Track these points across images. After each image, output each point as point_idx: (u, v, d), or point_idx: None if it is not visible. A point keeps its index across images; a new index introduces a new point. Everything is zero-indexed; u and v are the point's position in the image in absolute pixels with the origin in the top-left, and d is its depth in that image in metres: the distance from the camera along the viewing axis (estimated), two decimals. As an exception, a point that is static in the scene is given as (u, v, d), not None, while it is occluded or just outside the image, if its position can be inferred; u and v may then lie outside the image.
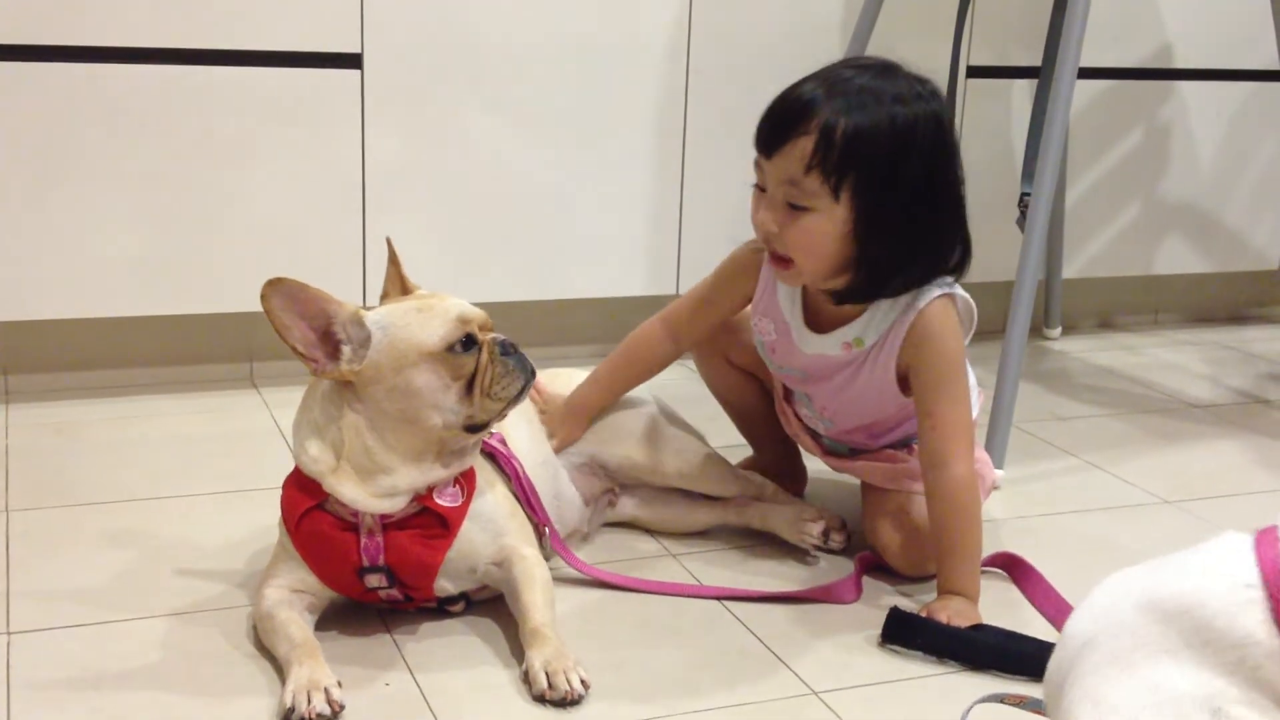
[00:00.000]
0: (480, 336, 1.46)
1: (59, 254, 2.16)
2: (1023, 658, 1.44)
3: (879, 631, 1.52)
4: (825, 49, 2.52)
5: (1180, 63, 2.85)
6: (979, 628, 1.50)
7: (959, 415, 1.57)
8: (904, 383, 1.62)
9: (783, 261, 1.56)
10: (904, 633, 1.50)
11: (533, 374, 1.48)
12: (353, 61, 2.24)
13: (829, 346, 1.63)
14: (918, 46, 2.53)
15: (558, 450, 1.74)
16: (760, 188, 1.58)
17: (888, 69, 1.54)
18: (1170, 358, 2.80)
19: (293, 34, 2.20)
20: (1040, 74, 2.50)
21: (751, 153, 1.60)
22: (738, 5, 2.47)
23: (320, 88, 2.24)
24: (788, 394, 1.79)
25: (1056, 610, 1.57)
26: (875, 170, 1.49)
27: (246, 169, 2.23)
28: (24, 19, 2.07)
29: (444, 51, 2.30)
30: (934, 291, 1.57)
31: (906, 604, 1.58)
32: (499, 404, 1.46)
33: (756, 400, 1.87)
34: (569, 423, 1.75)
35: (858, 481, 1.79)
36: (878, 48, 2.45)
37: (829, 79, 1.53)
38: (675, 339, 1.77)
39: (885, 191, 1.49)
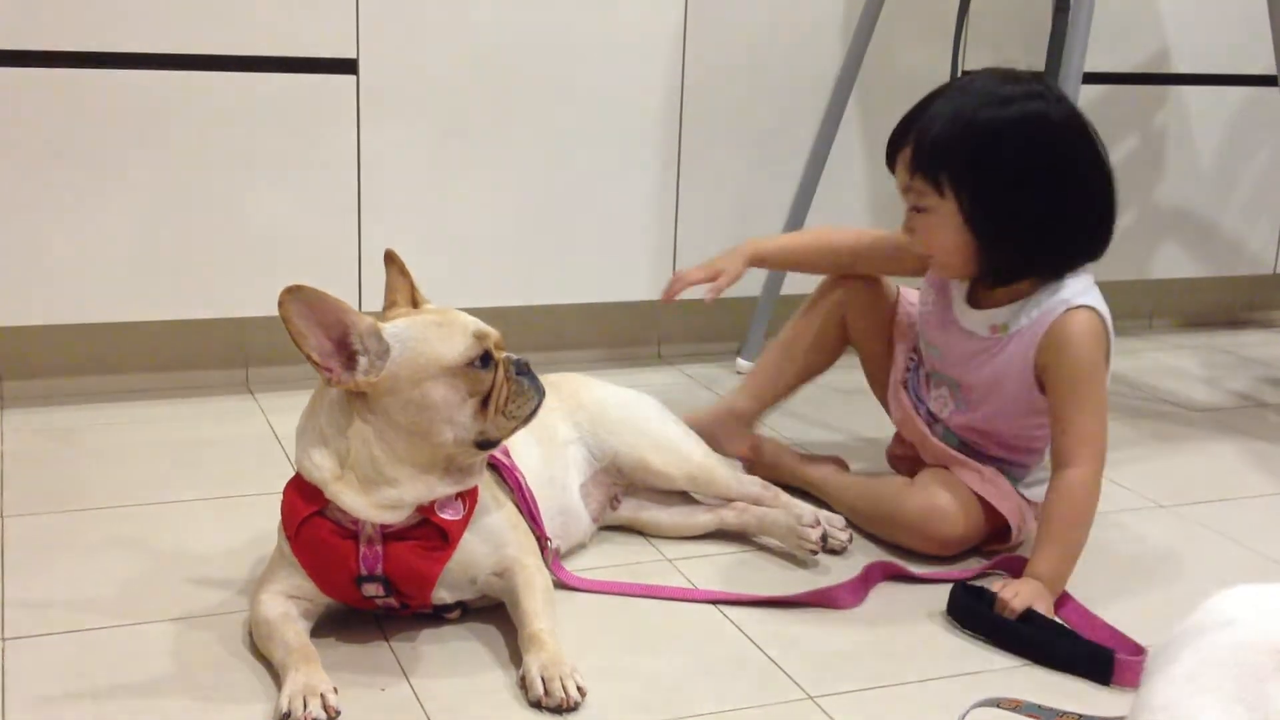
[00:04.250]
0: (495, 354, 1.46)
1: (56, 259, 2.16)
2: (1053, 652, 1.49)
3: (877, 629, 1.52)
4: (823, 54, 2.53)
5: (1178, 68, 2.85)
6: (1029, 616, 1.53)
7: (1088, 423, 1.64)
8: (1043, 386, 1.70)
9: (925, 257, 1.75)
10: (963, 614, 1.57)
11: (543, 393, 1.49)
12: (348, 67, 2.24)
13: (978, 325, 1.74)
14: (916, 51, 2.54)
15: (716, 289, 1.89)
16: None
17: (1000, 76, 1.69)
18: (1167, 362, 2.80)
19: (289, 39, 2.20)
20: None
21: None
22: (734, 8, 2.47)
23: (316, 93, 2.23)
24: (916, 380, 1.87)
25: (1078, 618, 1.58)
26: (966, 165, 1.64)
27: (243, 174, 2.23)
28: (21, 25, 2.07)
29: (439, 57, 2.30)
30: (1081, 299, 1.69)
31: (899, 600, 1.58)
32: (513, 422, 1.46)
33: (823, 364, 2.00)
34: (734, 255, 1.92)
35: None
36: (877, 52, 2.46)
37: (935, 92, 1.71)
38: (860, 255, 1.92)
39: (981, 182, 1.64)
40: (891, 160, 1.72)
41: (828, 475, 1.90)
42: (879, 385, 1.97)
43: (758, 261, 1.95)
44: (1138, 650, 1.48)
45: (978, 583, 1.63)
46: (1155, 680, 1.02)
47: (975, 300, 1.76)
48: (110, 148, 2.15)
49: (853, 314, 1.95)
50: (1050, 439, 1.68)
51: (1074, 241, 1.70)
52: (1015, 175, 1.64)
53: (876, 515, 1.78)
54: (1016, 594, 1.55)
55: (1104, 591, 1.66)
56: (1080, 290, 1.70)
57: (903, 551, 1.75)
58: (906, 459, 1.93)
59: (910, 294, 1.92)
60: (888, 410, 1.95)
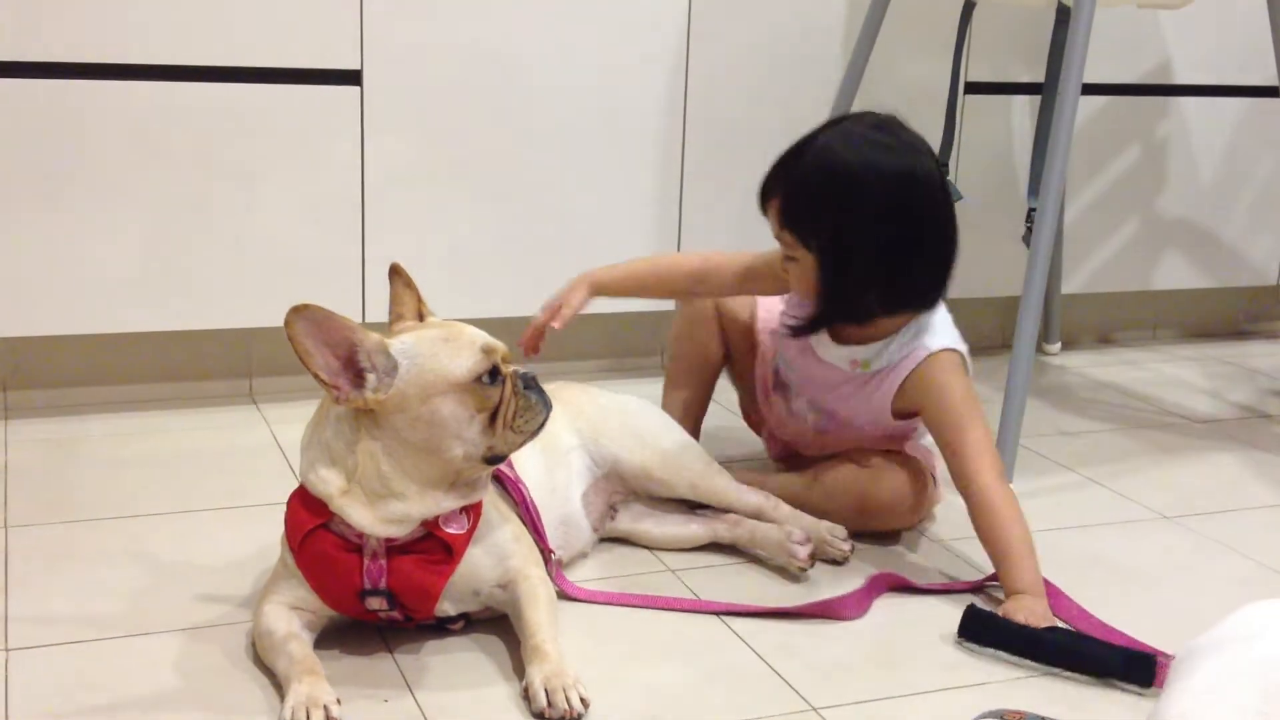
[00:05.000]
0: (503, 368, 1.46)
1: (59, 270, 2.16)
2: (1089, 658, 1.49)
3: (879, 640, 1.52)
4: (825, 65, 2.53)
5: (1180, 78, 2.86)
6: (1051, 630, 1.54)
7: (975, 436, 1.70)
8: (899, 414, 1.79)
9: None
10: (979, 630, 1.55)
11: (550, 407, 1.49)
12: (352, 78, 2.25)
13: (839, 359, 1.79)
14: (918, 64, 2.55)
15: (562, 319, 1.84)
16: None
17: (873, 126, 1.71)
18: (1170, 373, 2.80)
19: (293, 51, 2.21)
20: (1044, 90, 2.50)
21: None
22: (737, 18, 2.47)
23: (320, 104, 2.24)
24: (780, 381, 1.93)
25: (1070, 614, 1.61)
26: (830, 230, 1.68)
27: (246, 185, 2.23)
28: (23, 36, 2.07)
29: (443, 68, 2.30)
30: (939, 343, 1.74)
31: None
32: (520, 437, 1.47)
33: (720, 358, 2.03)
34: (575, 287, 1.87)
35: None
36: (878, 65, 2.46)
37: (806, 140, 1.73)
38: (702, 281, 1.91)
39: (842, 246, 1.68)
40: (763, 204, 1.75)
41: (774, 489, 1.85)
42: (746, 390, 2.03)
43: (599, 290, 1.90)
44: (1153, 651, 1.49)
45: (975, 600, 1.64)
46: (1175, 690, 1.01)
47: (836, 334, 1.80)
48: (114, 158, 2.15)
49: (705, 333, 2.00)
50: (947, 465, 1.73)
51: (918, 296, 1.74)
52: (877, 237, 1.67)
53: (842, 509, 1.80)
54: (1028, 612, 1.55)
55: (1107, 602, 1.66)
56: (938, 330, 1.76)
57: (876, 534, 1.81)
58: (792, 459, 1.98)
59: (770, 304, 1.95)
60: (754, 421, 2.04)
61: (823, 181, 1.68)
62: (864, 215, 1.67)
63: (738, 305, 1.98)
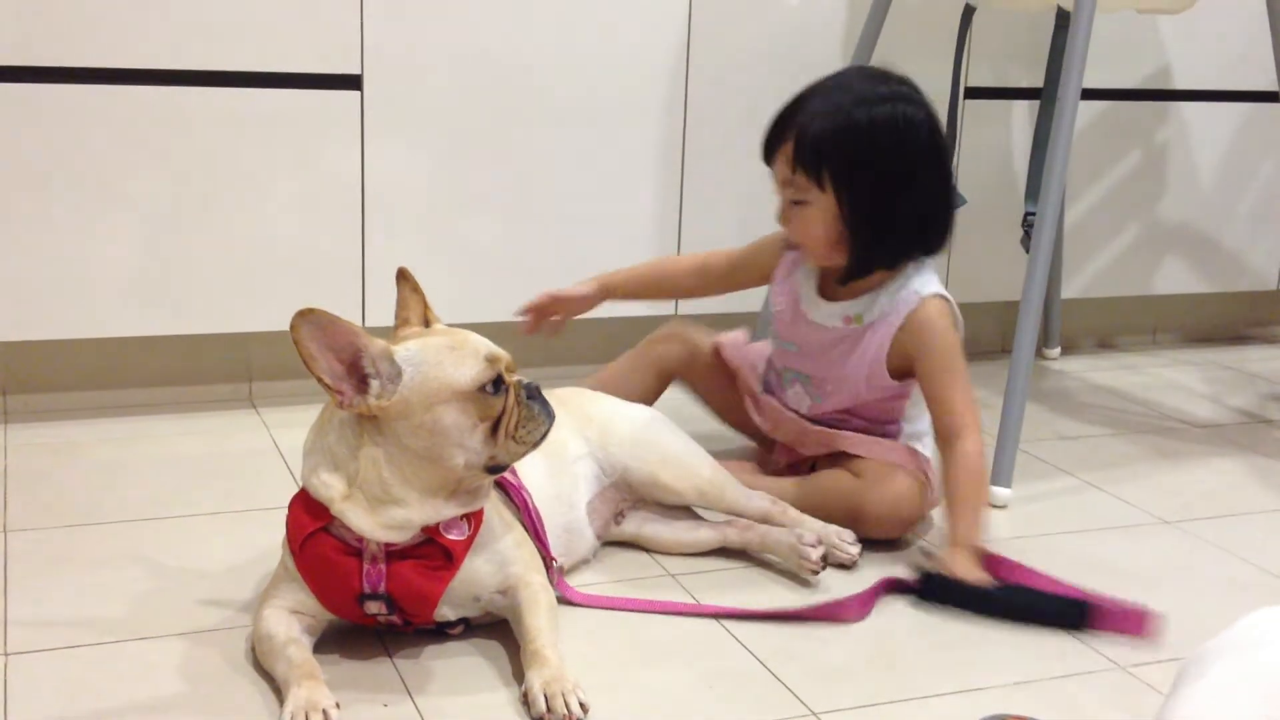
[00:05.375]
0: (507, 378, 1.46)
1: (58, 274, 2.16)
2: (1042, 614, 1.61)
3: (880, 644, 1.52)
4: (825, 66, 2.52)
5: (1179, 84, 2.86)
6: (1005, 588, 1.65)
7: (963, 398, 1.77)
8: (894, 371, 1.82)
9: (797, 248, 1.86)
10: (935, 592, 1.65)
11: (553, 418, 1.49)
12: (353, 83, 2.25)
13: (831, 317, 1.84)
14: (918, 68, 2.54)
15: (563, 305, 1.99)
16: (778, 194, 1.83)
17: (871, 75, 1.82)
18: (1170, 377, 2.80)
19: (293, 55, 2.21)
20: (1043, 95, 2.51)
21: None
22: (737, 21, 2.47)
23: (320, 109, 2.24)
24: (771, 383, 1.97)
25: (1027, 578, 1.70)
26: (844, 162, 1.73)
27: (246, 189, 2.23)
28: (24, 41, 2.07)
29: (444, 72, 2.31)
30: (930, 289, 1.79)
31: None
32: (523, 447, 1.46)
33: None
34: (585, 284, 2.01)
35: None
36: (879, 66, 2.46)
37: (810, 88, 1.80)
38: (702, 277, 2.04)
39: (859, 178, 1.74)
40: (770, 155, 1.80)
41: (771, 490, 1.87)
42: (731, 413, 2.08)
43: (608, 290, 2.03)
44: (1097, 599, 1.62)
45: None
46: (1184, 692, 1.01)
47: (826, 293, 1.86)
48: (114, 162, 2.15)
49: (677, 368, 2.06)
50: (932, 419, 1.80)
51: (925, 236, 1.81)
52: (889, 172, 1.74)
53: (834, 518, 1.80)
54: (964, 566, 1.66)
55: (1107, 607, 1.66)
56: (927, 281, 1.81)
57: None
58: (787, 465, 1.98)
59: (736, 339, 2.06)
60: (746, 431, 2.07)
61: (832, 112, 1.74)
62: (877, 139, 1.73)
63: (696, 342, 2.05)
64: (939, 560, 1.70)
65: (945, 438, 1.77)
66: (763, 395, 1.99)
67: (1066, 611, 1.61)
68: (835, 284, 1.85)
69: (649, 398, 2.02)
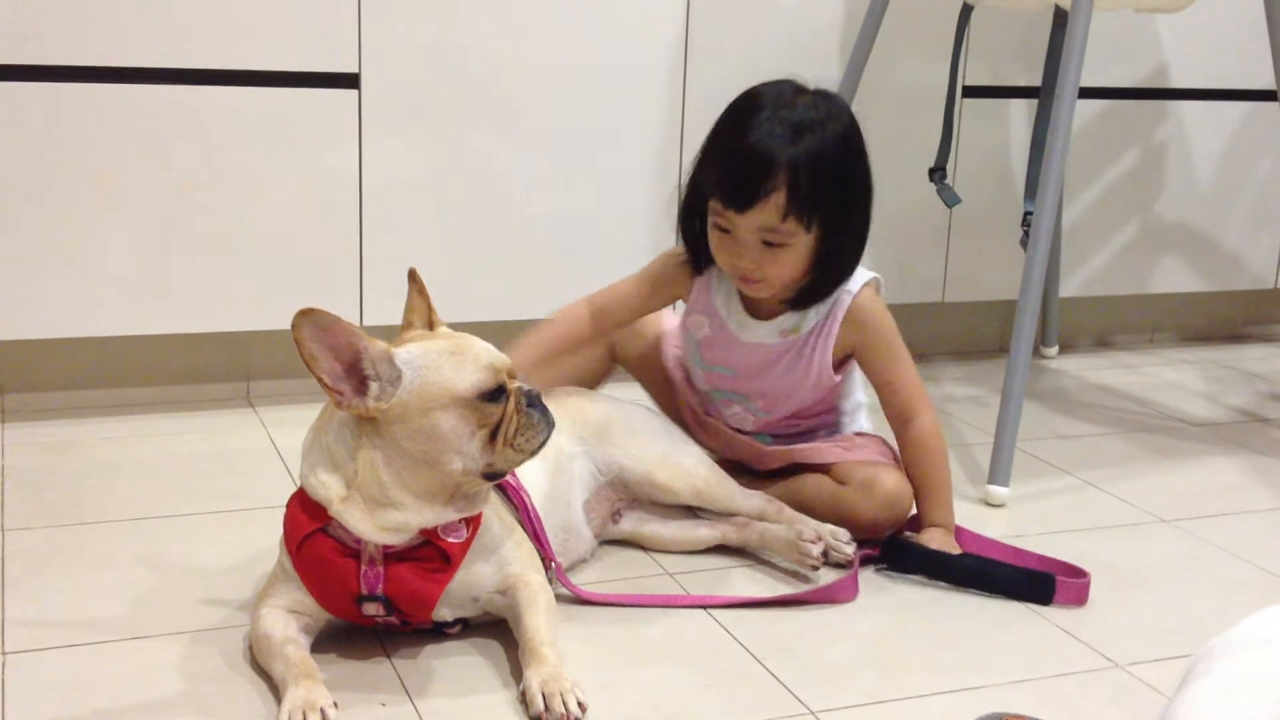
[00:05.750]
0: (508, 385, 1.46)
1: (56, 273, 2.16)
2: (999, 580, 1.68)
3: (879, 644, 1.53)
4: (823, 65, 2.53)
5: (1177, 83, 2.86)
6: (963, 555, 1.72)
7: (909, 378, 1.79)
8: (835, 366, 1.81)
9: (754, 282, 1.74)
10: (900, 558, 1.73)
11: (552, 426, 1.49)
12: (350, 81, 2.25)
13: (767, 335, 1.80)
14: (915, 68, 2.54)
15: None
16: (723, 229, 1.73)
17: (799, 89, 1.74)
18: (1168, 376, 2.80)
19: (290, 54, 2.21)
20: (1041, 93, 2.51)
21: None
22: (735, 25, 2.47)
23: (318, 108, 2.24)
24: (707, 404, 1.91)
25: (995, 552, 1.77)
26: (837, 202, 1.70)
27: (244, 188, 2.23)
28: (21, 39, 2.07)
29: (441, 71, 2.31)
30: (858, 278, 1.78)
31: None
32: (521, 455, 1.46)
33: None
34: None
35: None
36: (877, 68, 2.46)
37: (772, 121, 1.69)
38: (597, 324, 1.88)
39: (844, 207, 1.72)
40: (748, 205, 1.67)
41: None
42: (676, 415, 1.97)
43: (526, 370, 1.77)
44: (1079, 573, 1.69)
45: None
46: (1189, 692, 1.01)
47: (754, 312, 1.81)
48: (112, 161, 2.15)
49: (625, 360, 1.99)
50: (882, 403, 1.82)
51: (862, 246, 1.78)
52: (861, 189, 1.74)
53: (826, 521, 1.79)
54: (940, 544, 1.73)
55: (1106, 605, 1.66)
56: (854, 274, 1.79)
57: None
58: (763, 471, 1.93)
59: (669, 334, 1.96)
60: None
61: (815, 154, 1.67)
62: (858, 171, 1.73)
63: (632, 339, 1.96)
64: (919, 539, 1.75)
65: (899, 419, 1.79)
66: (705, 418, 1.92)
67: (1031, 586, 1.66)
68: (762, 302, 1.79)
69: (601, 367, 1.98)
